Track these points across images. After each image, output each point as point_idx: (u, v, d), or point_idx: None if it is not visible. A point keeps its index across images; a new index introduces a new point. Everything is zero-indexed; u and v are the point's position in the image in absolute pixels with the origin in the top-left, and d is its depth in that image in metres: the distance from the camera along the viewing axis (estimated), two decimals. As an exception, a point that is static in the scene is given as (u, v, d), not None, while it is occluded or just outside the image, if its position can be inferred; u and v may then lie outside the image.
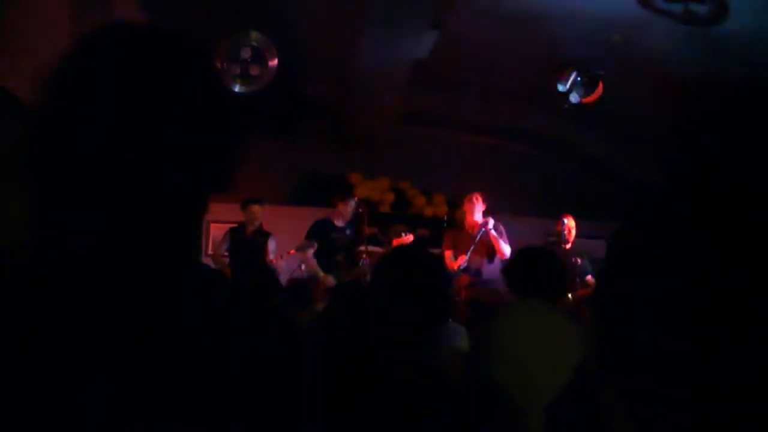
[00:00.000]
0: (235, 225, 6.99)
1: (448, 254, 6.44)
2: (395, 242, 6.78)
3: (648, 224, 0.60)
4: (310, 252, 6.52)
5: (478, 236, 6.31)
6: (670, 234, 0.57)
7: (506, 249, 6.28)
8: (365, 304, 2.23)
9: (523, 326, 2.63)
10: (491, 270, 6.33)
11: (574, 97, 6.59)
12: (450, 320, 3.70)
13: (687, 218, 0.57)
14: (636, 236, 0.60)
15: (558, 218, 6.59)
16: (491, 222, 6.33)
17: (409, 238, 6.82)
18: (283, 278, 6.58)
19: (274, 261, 6.69)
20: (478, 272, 6.33)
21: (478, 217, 6.41)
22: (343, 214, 6.68)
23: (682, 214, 0.58)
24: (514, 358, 2.43)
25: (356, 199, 6.85)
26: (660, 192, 0.62)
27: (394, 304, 1.66)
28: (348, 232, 6.74)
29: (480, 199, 6.46)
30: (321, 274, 6.39)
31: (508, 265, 3.25)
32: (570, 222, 6.51)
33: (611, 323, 0.61)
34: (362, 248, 6.80)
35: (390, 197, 9.04)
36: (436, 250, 6.56)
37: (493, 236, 6.31)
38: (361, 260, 6.63)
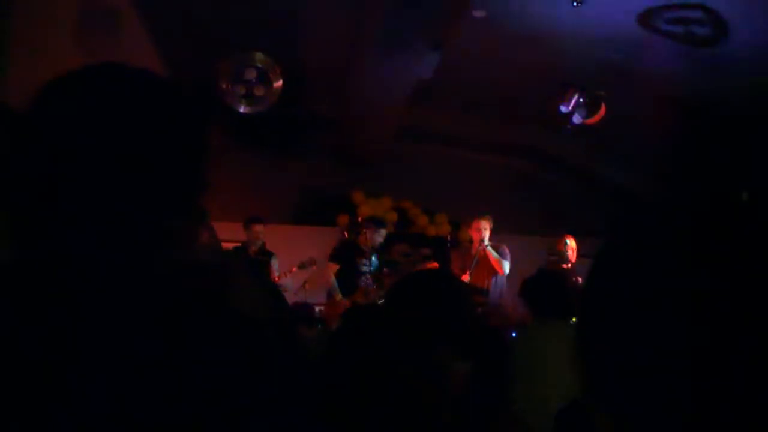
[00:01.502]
0: (239, 244, 7.00)
1: None
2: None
3: (641, 239, 0.60)
4: (332, 271, 6.50)
5: (477, 255, 6.36)
6: (665, 251, 0.57)
7: (505, 266, 6.32)
8: (382, 329, 2.19)
9: (539, 347, 2.62)
10: (496, 290, 6.36)
11: (576, 119, 6.63)
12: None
13: (685, 235, 0.57)
14: (627, 252, 0.61)
15: (560, 237, 6.59)
16: (487, 239, 6.37)
17: (434, 265, 6.74)
18: (288, 297, 6.58)
19: (278, 279, 6.69)
20: (483, 292, 6.33)
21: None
22: (369, 241, 6.67)
23: (679, 230, 0.58)
24: (530, 379, 2.42)
25: (386, 229, 6.79)
26: (653, 206, 0.63)
27: (417, 334, 1.62)
28: (373, 259, 6.70)
29: (489, 227, 6.46)
30: (339, 296, 6.38)
31: (527, 286, 3.25)
32: (571, 243, 6.51)
33: (597, 341, 0.61)
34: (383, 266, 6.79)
35: (393, 216, 9.05)
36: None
37: (490, 253, 6.33)
38: (364, 280, 6.62)
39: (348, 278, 6.51)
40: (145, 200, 0.83)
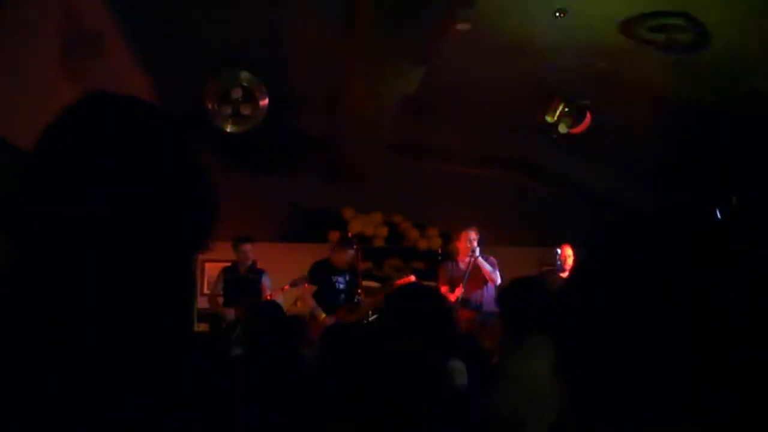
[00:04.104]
0: (230, 264, 6.98)
1: (444, 289, 6.42)
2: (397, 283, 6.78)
3: (621, 250, 0.58)
4: (310, 293, 6.50)
5: (469, 267, 6.34)
6: (647, 261, 0.55)
7: (496, 276, 6.31)
8: (366, 344, 2.21)
9: (529, 363, 2.54)
10: (490, 301, 6.33)
11: (562, 128, 6.67)
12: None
13: (668, 245, 0.55)
14: (606, 263, 0.59)
15: (553, 247, 6.61)
16: (478, 249, 6.36)
17: (411, 278, 6.80)
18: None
19: (269, 298, 6.67)
20: (477, 305, 6.32)
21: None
22: (340, 261, 6.66)
23: (665, 240, 0.56)
24: (522, 396, 2.37)
25: (354, 249, 6.80)
26: (632, 216, 0.61)
27: (398, 342, 1.63)
28: (347, 276, 6.71)
29: (476, 238, 6.46)
30: (323, 315, 6.35)
31: (502, 299, 3.06)
32: (567, 251, 6.53)
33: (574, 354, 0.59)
34: (358, 283, 6.79)
35: (383, 231, 9.04)
36: (431, 283, 6.55)
37: (482, 264, 6.32)
38: (357, 297, 6.60)
39: (326, 297, 6.52)
40: (153, 234, 0.83)
